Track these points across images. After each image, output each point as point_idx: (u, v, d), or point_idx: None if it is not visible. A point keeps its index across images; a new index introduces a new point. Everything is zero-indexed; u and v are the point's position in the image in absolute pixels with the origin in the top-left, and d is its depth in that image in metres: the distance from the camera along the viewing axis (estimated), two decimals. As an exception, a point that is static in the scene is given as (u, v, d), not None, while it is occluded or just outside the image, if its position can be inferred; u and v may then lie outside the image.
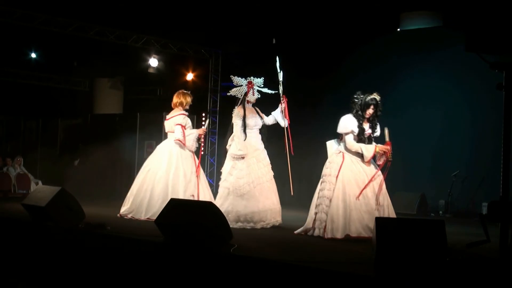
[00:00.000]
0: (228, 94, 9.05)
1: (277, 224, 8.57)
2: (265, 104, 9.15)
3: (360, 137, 7.70)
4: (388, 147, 7.65)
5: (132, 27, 14.55)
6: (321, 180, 7.83)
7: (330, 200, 7.48)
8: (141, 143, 16.64)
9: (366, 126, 7.77)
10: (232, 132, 8.79)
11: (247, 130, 8.69)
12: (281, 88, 8.71)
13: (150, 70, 15.99)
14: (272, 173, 8.76)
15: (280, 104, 8.77)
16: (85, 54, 16.79)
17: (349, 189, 7.46)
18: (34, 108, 18.83)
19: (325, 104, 13.07)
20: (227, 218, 8.26)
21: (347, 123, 7.72)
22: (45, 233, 7.66)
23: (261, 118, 8.87)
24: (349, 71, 13.07)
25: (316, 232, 7.56)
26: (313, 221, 7.67)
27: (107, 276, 6.67)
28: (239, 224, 8.32)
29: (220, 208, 8.37)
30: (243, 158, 8.54)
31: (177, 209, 6.75)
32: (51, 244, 7.46)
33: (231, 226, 8.15)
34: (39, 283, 7.09)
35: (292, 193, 8.65)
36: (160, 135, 16.39)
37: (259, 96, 8.89)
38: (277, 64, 8.74)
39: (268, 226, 8.45)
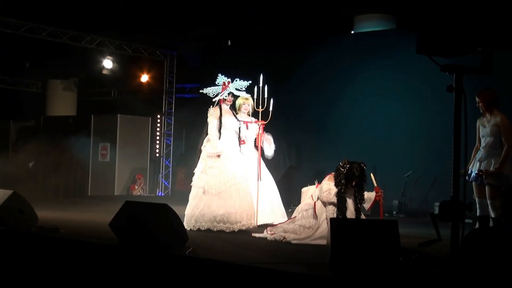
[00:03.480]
0: (200, 91, 8.92)
1: (251, 227, 8.28)
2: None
3: (341, 208, 7.25)
4: (377, 193, 7.40)
5: (86, 28, 14.40)
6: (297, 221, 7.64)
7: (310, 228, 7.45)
8: (95, 145, 16.49)
9: (350, 196, 7.35)
10: (207, 132, 8.62)
11: (222, 130, 8.58)
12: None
13: (104, 72, 15.85)
14: (249, 175, 8.65)
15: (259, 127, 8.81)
16: (38, 55, 16.56)
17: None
18: (-14, 110, 18.49)
19: (279, 108, 13.11)
20: (202, 219, 8.21)
21: (329, 195, 7.36)
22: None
23: (238, 121, 8.79)
24: (303, 73, 13.16)
25: (278, 237, 7.52)
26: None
27: (60, 280, 6.58)
28: (215, 225, 8.09)
29: (195, 209, 8.31)
30: (218, 156, 8.41)
31: (131, 211, 6.69)
32: (3, 249, 7.32)
33: (207, 227, 8.10)
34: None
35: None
36: (114, 137, 16.28)
37: (232, 98, 8.78)
38: (265, 90, 8.74)
39: (244, 228, 8.16)
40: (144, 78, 16.82)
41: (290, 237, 7.35)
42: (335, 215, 7.17)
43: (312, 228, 7.35)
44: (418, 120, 11.88)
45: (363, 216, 7.40)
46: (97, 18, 13.62)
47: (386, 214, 11.65)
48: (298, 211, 7.76)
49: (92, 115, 16.77)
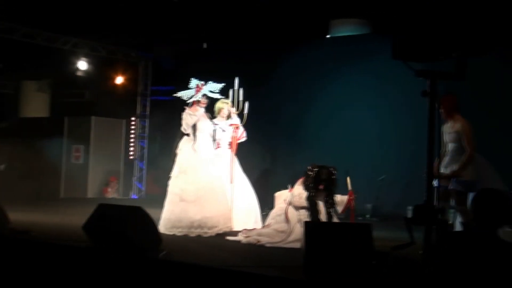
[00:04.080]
0: (173, 95, 8.86)
1: (229, 230, 8.27)
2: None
3: (313, 212, 7.34)
4: (349, 197, 7.47)
5: (60, 30, 14.28)
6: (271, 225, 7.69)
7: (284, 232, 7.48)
8: (69, 147, 16.36)
9: (321, 200, 7.42)
10: (183, 135, 8.58)
11: (198, 133, 8.54)
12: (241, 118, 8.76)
13: (79, 73, 15.71)
14: (224, 178, 8.65)
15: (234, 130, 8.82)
16: (11, 56, 16.36)
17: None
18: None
19: (254, 112, 13.12)
20: (179, 224, 8.16)
21: (300, 199, 7.44)
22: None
23: (213, 123, 8.77)
24: (278, 77, 13.20)
25: (252, 241, 7.53)
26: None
27: (32, 284, 6.51)
28: (192, 231, 8.05)
29: (171, 214, 8.25)
30: (193, 161, 8.39)
31: (105, 214, 6.65)
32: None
33: (184, 233, 8.06)
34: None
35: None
36: (88, 139, 16.16)
37: (207, 100, 8.76)
38: (240, 93, 8.74)
39: (221, 232, 8.14)
40: (119, 80, 16.71)
41: (264, 240, 7.37)
42: (308, 219, 7.21)
43: (285, 233, 7.36)
44: (392, 124, 11.94)
45: (336, 220, 7.44)
46: (72, 19, 13.51)
47: (359, 218, 11.71)
48: (272, 216, 7.78)
49: (66, 117, 16.64)
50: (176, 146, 8.66)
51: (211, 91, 8.65)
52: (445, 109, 7.16)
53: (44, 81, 18.04)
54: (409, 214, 6.92)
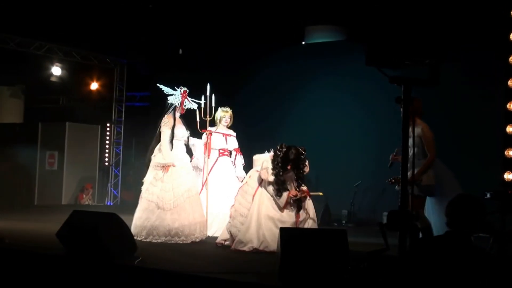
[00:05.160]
0: (157, 85, 8.73)
1: (204, 238, 8.29)
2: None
3: (280, 190, 7.45)
4: (302, 193, 7.52)
5: (34, 35, 14.17)
6: (239, 192, 7.83)
7: (245, 217, 7.50)
8: (43, 153, 16.21)
9: (290, 179, 7.53)
10: (159, 141, 8.47)
11: (174, 141, 8.46)
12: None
13: (53, 79, 15.58)
14: (198, 185, 8.66)
15: (207, 136, 8.83)
16: (-16, 61, 16.20)
17: (265, 208, 7.47)
18: None
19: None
20: (155, 232, 8.06)
21: (267, 174, 7.54)
22: None
23: (187, 130, 8.75)
24: (254, 83, 13.21)
25: (227, 243, 7.58)
26: (228, 232, 7.68)
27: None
28: (169, 239, 7.99)
29: (146, 221, 8.13)
30: (167, 168, 8.30)
31: (79, 220, 6.60)
32: None
33: (161, 241, 8.00)
34: None
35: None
36: (62, 145, 16.03)
37: (191, 107, 8.73)
38: (207, 90, 8.73)
39: (197, 240, 8.14)
40: (94, 86, 16.61)
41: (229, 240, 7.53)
42: (273, 194, 7.39)
43: (243, 216, 7.49)
44: (367, 130, 12.01)
45: (310, 202, 7.56)
46: (45, 24, 13.41)
47: (335, 224, 11.76)
48: (241, 193, 7.81)
49: (40, 123, 16.48)
50: (150, 151, 8.58)
51: (192, 100, 8.67)
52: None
53: (17, 87, 17.87)
54: (384, 220, 6.96)
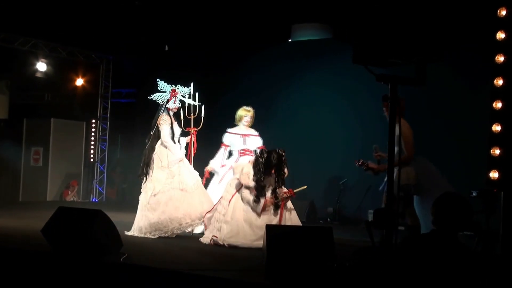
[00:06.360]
0: (149, 98, 8.73)
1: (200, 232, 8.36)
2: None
3: (258, 194, 7.48)
4: (285, 193, 7.60)
5: (19, 30, 14.08)
6: (219, 200, 7.86)
7: (220, 222, 7.56)
8: (28, 149, 16.14)
9: (269, 183, 7.56)
10: (157, 139, 8.46)
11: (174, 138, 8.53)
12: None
13: (38, 75, 15.51)
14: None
15: (191, 135, 8.76)
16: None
17: (239, 214, 7.50)
18: None
19: (217, 116, 13.12)
20: (166, 227, 8.06)
21: (248, 179, 7.58)
22: None
23: (180, 128, 8.73)
24: (240, 80, 13.19)
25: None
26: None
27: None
28: (183, 226, 8.09)
29: (160, 217, 8.08)
30: (179, 162, 8.36)
31: (64, 217, 6.57)
32: None
33: (168, 235, 8.04)
34: None
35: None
36: (47, 141, 15.96)
37: (180, 106, 8.67)
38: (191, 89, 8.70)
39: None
40: (79, 82, 16.54)
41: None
42: (250, 199, 7.43)
43: (221, 214, 7.56)
44: (353, 128, 12.02)
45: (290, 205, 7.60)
46: (30, 19, 13.34)
47: (321, 221, 11.78)
48: (226, 189, 7.86)
49: (25, 119, 16.42)
50: (148, 149, 8.52)
51: (183, 96, 8.62)
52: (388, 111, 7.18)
53: (2, 82, 17.75)
54: (370, 218, 7.00)
